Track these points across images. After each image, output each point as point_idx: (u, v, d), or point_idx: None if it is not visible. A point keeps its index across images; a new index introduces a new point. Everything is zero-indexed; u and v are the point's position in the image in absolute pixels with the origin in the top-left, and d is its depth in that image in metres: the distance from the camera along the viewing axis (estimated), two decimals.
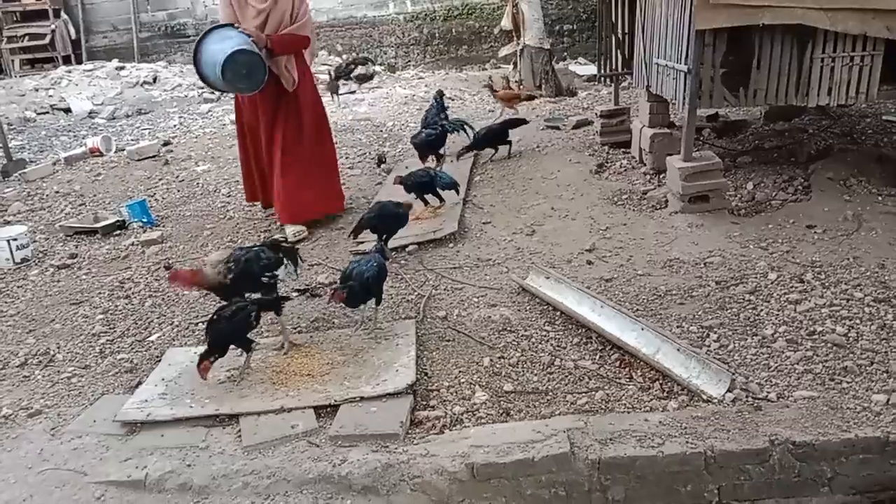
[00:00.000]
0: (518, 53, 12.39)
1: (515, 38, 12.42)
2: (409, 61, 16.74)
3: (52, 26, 16.20)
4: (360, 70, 12.93)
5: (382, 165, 8.16)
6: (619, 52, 8.06)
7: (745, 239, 5.64)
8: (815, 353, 4.20)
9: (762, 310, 4.67)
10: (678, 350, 4.13)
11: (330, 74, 12.34)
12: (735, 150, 7.66)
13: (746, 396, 3.86)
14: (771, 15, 5.63)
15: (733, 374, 3.98)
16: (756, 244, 5.55)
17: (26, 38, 16.30)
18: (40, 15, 16.39)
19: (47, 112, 12.94)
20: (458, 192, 6.67)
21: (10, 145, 9.89)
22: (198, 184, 8.34)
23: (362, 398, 4.00)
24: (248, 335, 4.33)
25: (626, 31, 7.89)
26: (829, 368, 4.06)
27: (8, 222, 7.62)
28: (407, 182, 6.49)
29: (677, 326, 4.56)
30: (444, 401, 4.07)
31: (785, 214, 6.00)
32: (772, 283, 4.97)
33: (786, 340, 4.33)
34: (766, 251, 5.43)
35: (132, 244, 6.74)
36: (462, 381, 4.22)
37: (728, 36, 5.83)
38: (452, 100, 11.86)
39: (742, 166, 7.11)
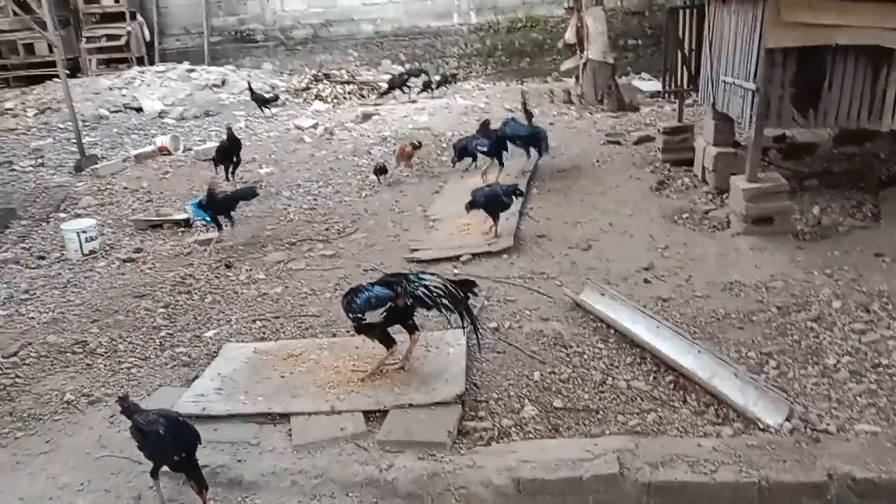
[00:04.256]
0: (581, 67, 12.31)
1: (579, 52, 12.34)
2: (471, 72, 16.77)
3: (129, 28, 16.77)
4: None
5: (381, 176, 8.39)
6: (684, 68, 7.95)
7: (810, 264, 5.48)
8: (880, 387, 4.04)
9: (825, 338, 4.52)
10: (735, 375, 4.03)
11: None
12: (802, 172, 7.45)
13: (805, 427, 3.73)
14: (846, 35, 5.49)
15: (792, 403, 3.86)
16: (821, 270, 5.39)
17: (104, 38, 16.91)
18: (118, 17, 16.99)
19: (120, 110, 13.41)
20: None
21: (83, 141, 10.28)
22: (260, 186, 8.51)
23: (411, 405, 4.02)
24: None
25: (693, 47, 7.78)
26: (893, 402, 3.90)
27: (78, 215, 7.93)
28: None
29: (735, 351, 4.45)
30: (493, 413, 4.06)
31: (852, 241, 5.82)
32: (836, 311, 4.81)
33: (849, 371, 4.18)
34: (831, 278, 5.27)
35: (194, 241, 6.92)
36: (511, 394, 4.21)
37: (799, 55, 5.70)
38: (512, 111, 11.86)
39: (809, 189, 6.93)
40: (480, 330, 4.52)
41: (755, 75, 5.83)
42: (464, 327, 4.36)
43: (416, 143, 8.80)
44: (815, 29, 5.51)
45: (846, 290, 5.06)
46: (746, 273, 5.41)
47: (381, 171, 8.28)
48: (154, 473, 3.51)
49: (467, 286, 4.38)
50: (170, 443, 3.44)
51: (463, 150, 8.39)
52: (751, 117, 5.96)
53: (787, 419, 3.74)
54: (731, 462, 3.47)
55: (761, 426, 3.76)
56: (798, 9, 5.49)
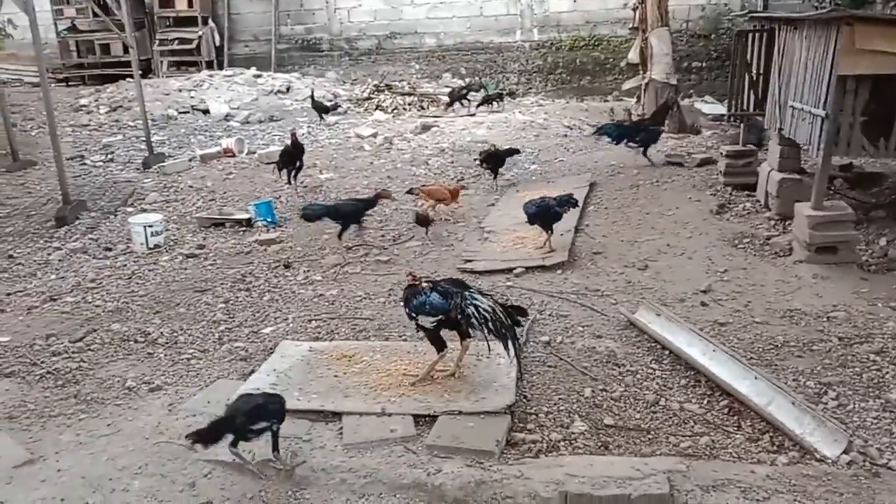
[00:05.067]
0: (643, 87, 12.24)
1: (642, 72, 12.27)
2: (531, 88, 16.80)
3: (200, 33, 17.30)
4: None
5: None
6: (751, 92, 7.85)
7: (874, 296, 5.34)
8: None
9: (888, 372, 4.40)
10: (793, 404, 3.94)
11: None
12: (868, 202, 7.27)
13: (864, 461, 3.63)
14: None
15: (851, 435, 3.76)
16: (885, 303, 5.25)
17: (176, 42, 17.47)
18: (190, 21, 17.55)
19: (188, 112, 13.83)
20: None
21: (152, 139, 10.64)
22: (320, 190, 8.69)
23: (461, 412, 4.04)
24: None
25: (761, 71, 7.68)
26: None
27: (145, 210, 8.20)
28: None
29: (793, 380, 4.36)
30: (542, 426, 4.05)
31: None
32: None
33: None
34: None
35: (255, 241, 7.09)
36: (561, 408, 4.19)
37: (872, 83, 5.58)
38: (571, 129, 11.86)
39: (875, 220, 6.76)
40: (524, 355, 4.56)
41: (825, 102, 5.72)
42: (508, 354, 4.33)
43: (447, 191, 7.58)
44: (889, 57, 5.38)
45: None
46: (807, 301, 5.30)
47: (424, 221, 7.05)
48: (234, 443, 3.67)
49: (518, 312, 4.41)
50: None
51: (492, 159, 8.60)
52: (819, 144, 5.85)
53: (846, 451, 3.65)
54: (785, 491, 3.40)
55: (818, 457, 3.67)
56: (873, 37, 5.39)
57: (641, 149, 9.22)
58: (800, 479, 3.49)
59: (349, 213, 6.80)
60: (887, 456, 3.67)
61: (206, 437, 3.65)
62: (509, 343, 4.23)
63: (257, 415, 3.65)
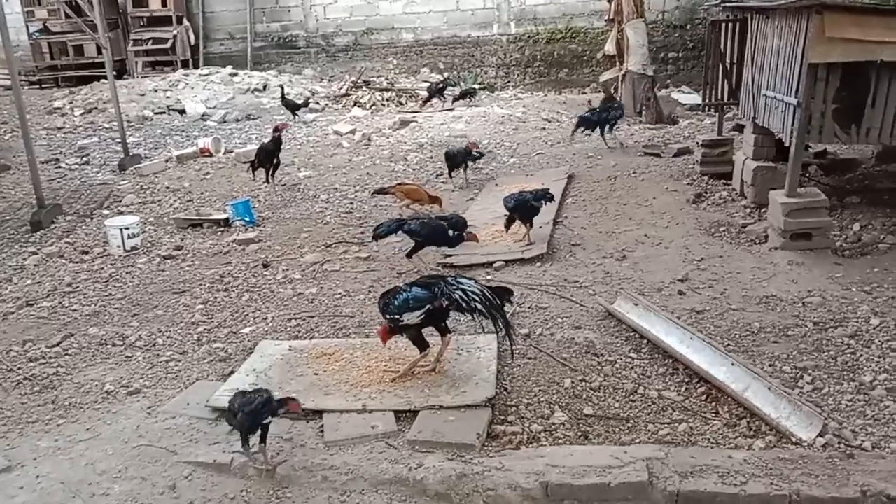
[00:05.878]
0: (620, 79, 12.31)
1: (619, 64, 12.34)
2: (509, 81, 16.83)
3: (175, 32, 17.13)
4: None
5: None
6: (725, 81, 7.90)
7: (848, 281, 5.42)
8: None
9: (862, 355, 4.46)
10: (769, 389, 3.99)
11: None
12: (843, 188, 7.36)
13: (839, 443, 3.69)
14: (891, 51, 5.42)
15: (826, 418, 3.81)
16: (859, 287, 5.32)
17: (150, 41, 17.30)
18: (165, 21, 17.38)
19: (164, 112, 13.72)
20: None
21: (127, 141, 10.55)
22: (298, 189, 8.67)
23: (441, 407, 4.05)
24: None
25: (735, 61, 7.73)
26: None
27: (121, 212, 8.13)
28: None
29: (769, 365, 4.41)
30: (522, 417, 4.08)
31: (893, 258, 5.74)
32: (874, 328, 4.74)
33: (885, 389, 4.11)
34: (870, 295, 5.20)
35: (233, 241, 7.06)
36: (541, 399, 4.22)
37: (842, 71, 5.64)
38: (549, 121, 11.90)
39: (849, 206, 6.84)
40: (504, 347, 4.52)
41: (797, 90, 5.78)
42: (497, 333, 4.37)
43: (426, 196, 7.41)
44: (859, 45, 5.45)
45: (885, 308, 4.98)
46: (783, 288, 5.36)
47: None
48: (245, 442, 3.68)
49: (504, 293, 4.41)
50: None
51: (453, 158, 8.45)
52: (792, 132, 5.91)
53: (821, 434, 3.70)
54: (762, 475, 3.44)
55: (794, 440, 3.72)
56: (843, 25, 5.45)
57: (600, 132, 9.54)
58: (776, 462, 3.54)
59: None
60: (861, 437, 3.74)
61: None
62: (500, 322, 4.24)
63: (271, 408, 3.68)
